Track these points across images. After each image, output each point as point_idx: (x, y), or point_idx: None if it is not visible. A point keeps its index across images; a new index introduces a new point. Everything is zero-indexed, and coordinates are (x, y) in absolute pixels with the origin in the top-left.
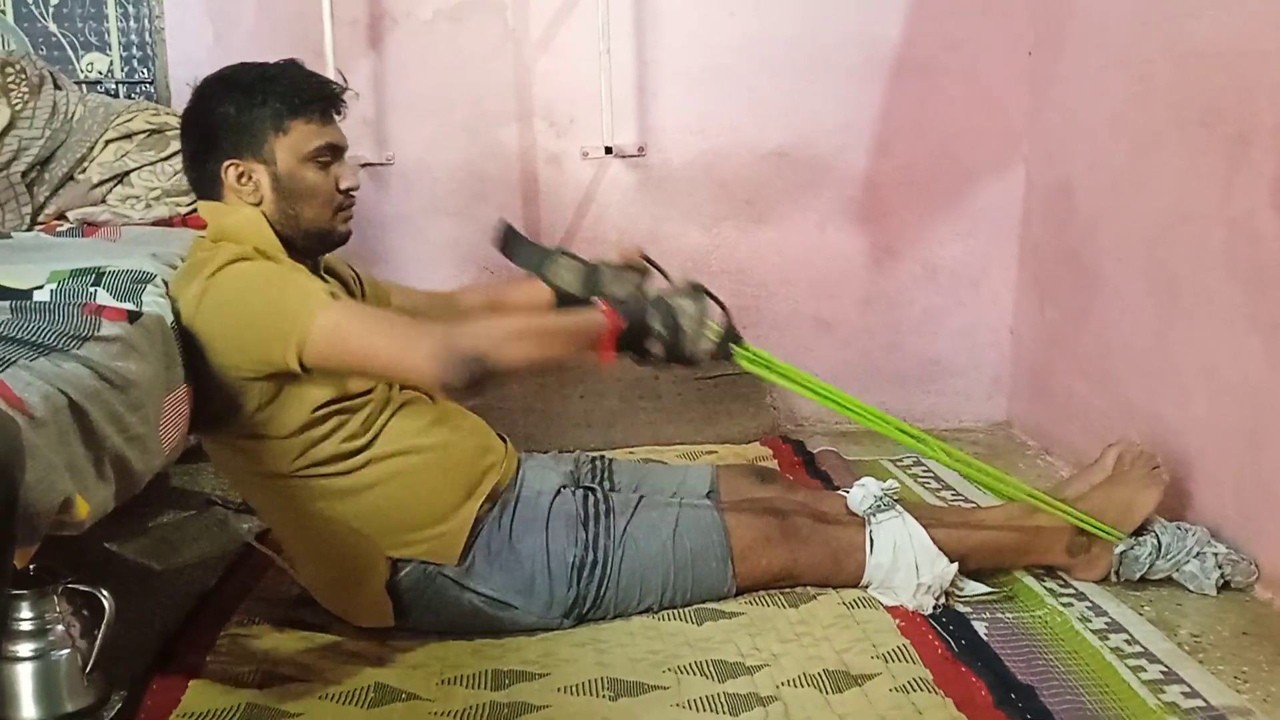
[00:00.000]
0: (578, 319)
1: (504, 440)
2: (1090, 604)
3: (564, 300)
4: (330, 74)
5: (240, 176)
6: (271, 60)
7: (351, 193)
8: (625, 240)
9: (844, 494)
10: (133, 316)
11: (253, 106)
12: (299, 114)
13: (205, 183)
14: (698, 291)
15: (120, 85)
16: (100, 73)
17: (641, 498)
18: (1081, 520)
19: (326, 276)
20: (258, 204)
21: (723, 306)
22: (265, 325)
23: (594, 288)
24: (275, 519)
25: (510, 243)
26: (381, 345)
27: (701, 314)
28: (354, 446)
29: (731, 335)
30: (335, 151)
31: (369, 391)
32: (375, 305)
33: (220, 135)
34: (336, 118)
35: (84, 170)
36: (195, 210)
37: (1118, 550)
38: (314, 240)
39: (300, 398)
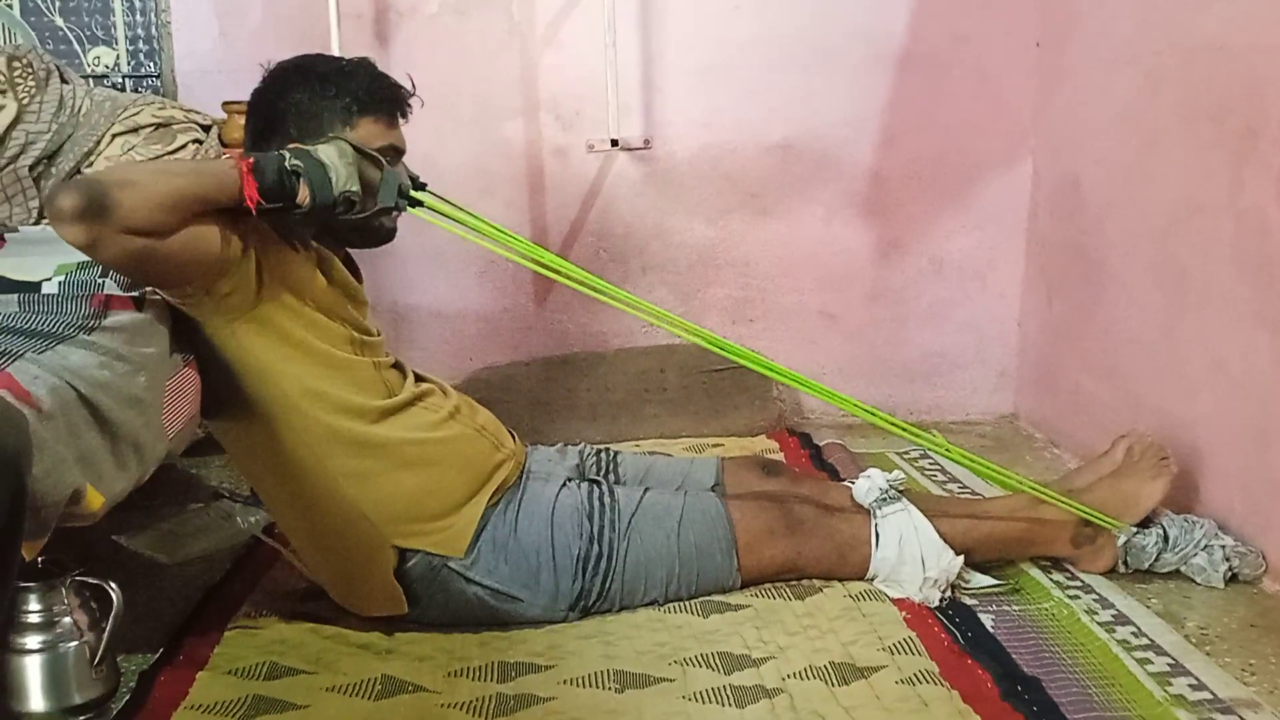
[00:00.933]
0: (208, 161)
1: (514, 437)
2: (1097, 596)
3: None
4: (409, 76)
5: None
6: (281, 54)
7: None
8: (632, 234)
9: (850, 486)
10: (139, 304)
11: (325, 97)
12: (368, 111)
13: None
14: (336, 140)
15: (126, 79)
16: (107, 67)
17: (647, 490)
18: (1082, 510)
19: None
20: None
21: (379, 159)
22: None
23: None
24: (284, 508)
25: None
26: None
27: (345, 154)
28: (366, 405)
29: (399, 179)
30: (396, 154)
31: (351, 345)
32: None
33: (289, 119)
34: (401, 121)
35: (90, 164)
36: None
37: (1121, 540)
38: (360, 234)
39: (260, 325)
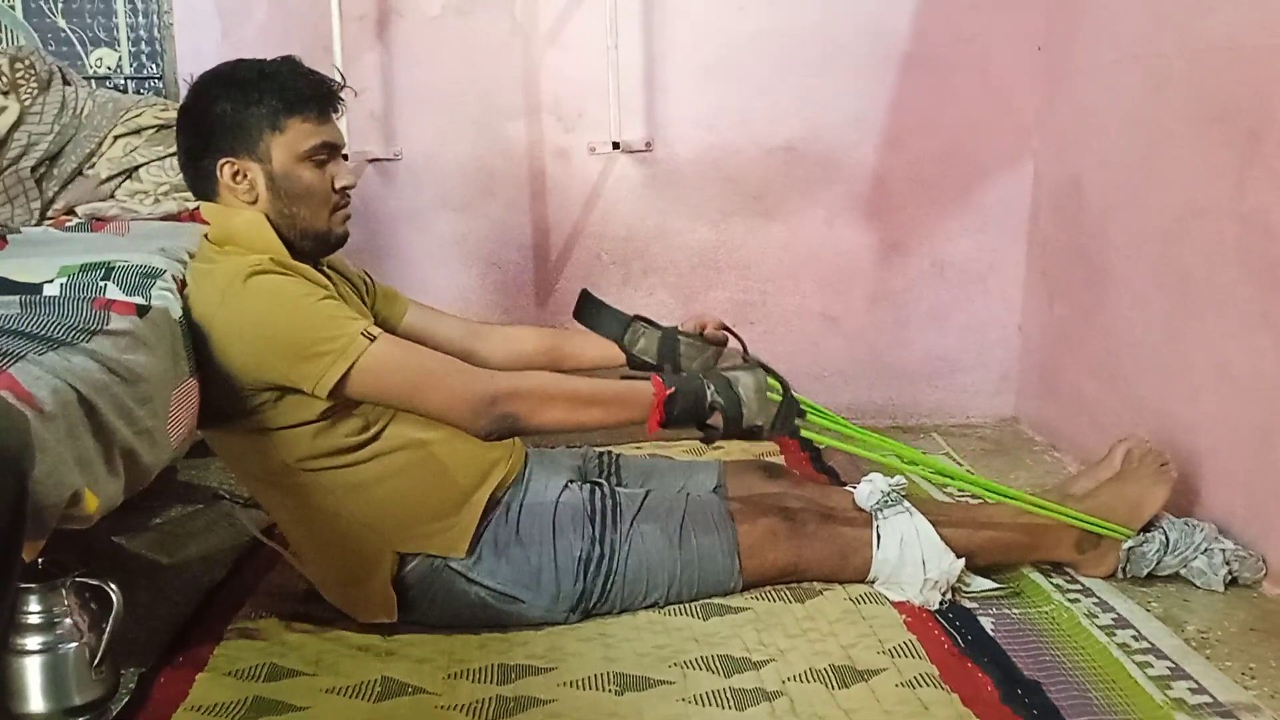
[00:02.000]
0: (622, 386)
1: None
2: (1097, 600)
3: (638, 366)
4: (338, 69)
5: (235, 175)
6: (278, 55)
7: (347, 192)
8: (633, 236)
9: (851, 490)
10: (141, 310)
11: (249, 104)
12: (295, 112)
13: (200, 180)
14: (755, 366)
15: (129, 81)
16: (109, 68)
17: (648, 493)
18: (1086, 522)
19: (328, 272)
20: (253, 203)
21: (783, 381)
22: (291, 349)
23: (670, 356)
24: (282, 515)
25: (589, 310)
26: (428, 394)
27: (760, 387)
28: (359, 440)
29: (793, 408)
30: (331, 150)
31: None
32: (384, 312)
33: (216, 133)
34: (334, 116)
35: (93, 166)
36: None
37: (1125, 547)
38: (311, 241)
39: (307, 400)
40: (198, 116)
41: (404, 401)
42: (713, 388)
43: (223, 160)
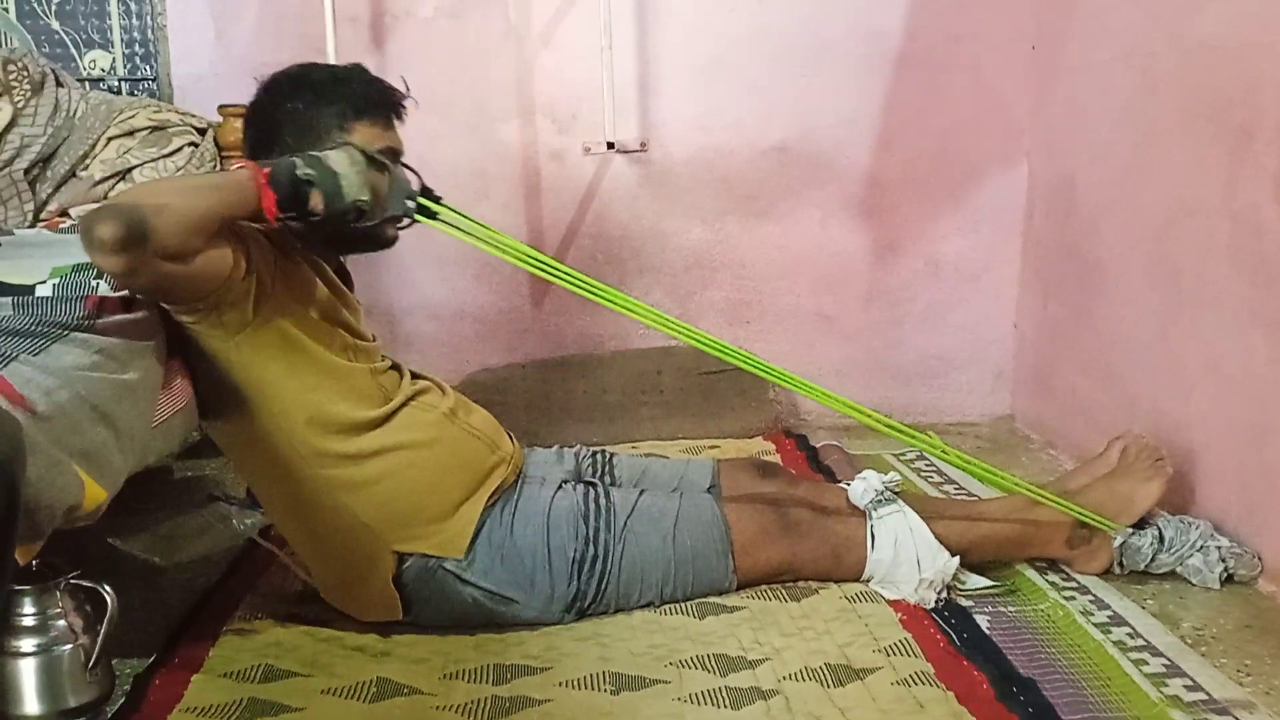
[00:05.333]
0: (222, 174)
1: (512, 439)
2: (1093, 597)
3: None
4: (404, 79)
5: None
6: (277, 58)
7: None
8: (628, 237)
9: (846, 487)
10: (130, 305)
11: (320, 104)
12: (363, 115)
13: None
14: (350, 147)
15: (122, 83)
16: (102, 70)
17: (642, 493)
18: (1077, 512)
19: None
20: None
21: (388, 166)
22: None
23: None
24: (281, 511)
25: None
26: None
27: (355, 160)
28: (362, 438)
29: (403, 184)
30: (393, 156)
31: (347, 352)
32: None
33: (285, 129)
34: (397, 124)
35: (86, 167)
36: None
37: (1117, 541)
38: (363, 241)
39: (261, 338)
40: (268, 113)
41: None
42: (301, 161)
43: (301, 155)
